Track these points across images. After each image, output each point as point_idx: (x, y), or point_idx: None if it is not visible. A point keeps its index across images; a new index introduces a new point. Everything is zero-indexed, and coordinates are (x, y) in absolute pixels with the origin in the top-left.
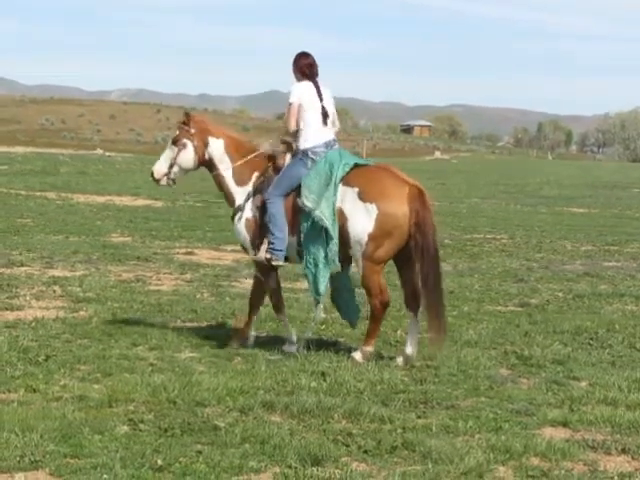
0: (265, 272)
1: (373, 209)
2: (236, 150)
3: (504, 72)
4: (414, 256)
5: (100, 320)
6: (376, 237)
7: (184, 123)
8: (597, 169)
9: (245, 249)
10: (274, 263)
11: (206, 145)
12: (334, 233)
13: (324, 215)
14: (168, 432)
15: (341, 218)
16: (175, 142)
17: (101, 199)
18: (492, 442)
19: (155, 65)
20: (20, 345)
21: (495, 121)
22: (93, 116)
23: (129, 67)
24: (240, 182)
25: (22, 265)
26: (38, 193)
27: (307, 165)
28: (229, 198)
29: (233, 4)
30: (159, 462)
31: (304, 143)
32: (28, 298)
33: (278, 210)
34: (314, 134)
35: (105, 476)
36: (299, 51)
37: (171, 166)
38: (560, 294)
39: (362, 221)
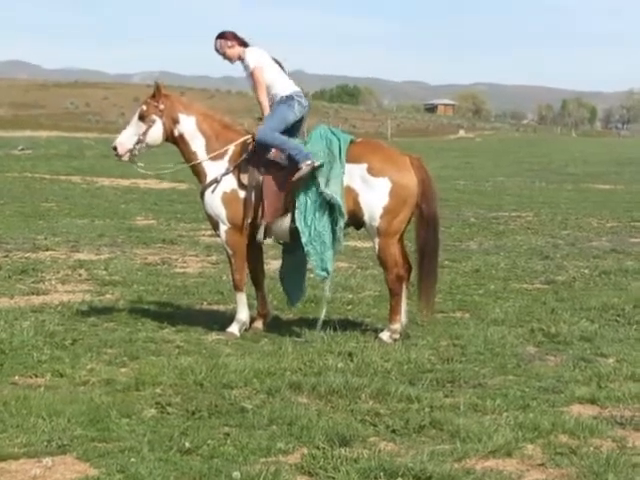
0: (236, 247)
1: (386, 182)
2: (210, 127)
3: (526, 49)
4: (417, 224)
5: (126, 303)
6: (392, 209)
7: (153, 98)
8: (622, 146)
9: (213, 224)
10: (316, 164)
11: (176, 122)
12: (344, 211)
13: (335, 193)
14: (195, 415)
15: (352, 195)
16: (142, 117)
17: (126, 182)
18: (520, 420)
19: (178, 47)
20: (46, 329)
21: (518, 99)
22: (117, 99)
23: (151, 49)
24: (214, 157)
25: (47, 249)
26: (63, 177)
27: (294, 108)
28: (200, 173)
29: None
30: (187, 445)
31: (284, 91)
32: (54, 282)
33: (278, 136)
34: (288, 83)
35: (133, 460)
36: (218, 33)
37: (138, 142)
38: (586, 271)
39: (377, 195)
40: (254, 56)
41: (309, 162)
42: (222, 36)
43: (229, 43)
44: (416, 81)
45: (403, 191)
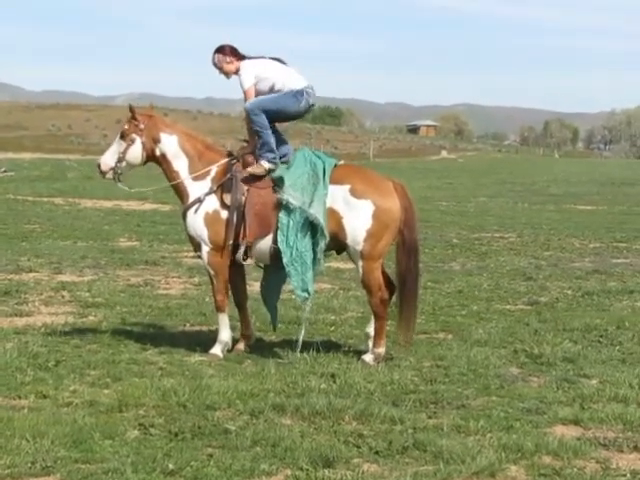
0: (217, 268)
1: (369, 205)
2: (192, 146)
3: (507, 70)
4: (398, 251)
5: (109, 325)
6: (375, 233)
7: (133, 118)
8: (604, 166)
9: (194, 245)
10: (269, 166)
11: (157, 142)
12: (327, 232)
13: (318, 214)
14: (179, 436)
15: (334, 217)
16: (123, 136)
17: (108, 204)
18: (503, 441)
19: (160, 69)
20: (30, 351)
21: (500, 120)
22: (99, 121)
23: (134, 71)
24: (196, 177)
25: (30, 271)
26: (45, 199)
27: (301, 103)
28: (183, 193)
29: (236, 5)
30: (170, 466)
31: (297, 85)
32: (37, 304)
33: (264, 118)
34: (299, 77)
35: None
36: (217, 47)
37: (119, 160)
38: (569, 292)
39: (359, 218)
40: (248, 74)
41: (268, 165)
42: (220, 50)
43: (227, 59)
44: (398, 102)
45: (385, 215)
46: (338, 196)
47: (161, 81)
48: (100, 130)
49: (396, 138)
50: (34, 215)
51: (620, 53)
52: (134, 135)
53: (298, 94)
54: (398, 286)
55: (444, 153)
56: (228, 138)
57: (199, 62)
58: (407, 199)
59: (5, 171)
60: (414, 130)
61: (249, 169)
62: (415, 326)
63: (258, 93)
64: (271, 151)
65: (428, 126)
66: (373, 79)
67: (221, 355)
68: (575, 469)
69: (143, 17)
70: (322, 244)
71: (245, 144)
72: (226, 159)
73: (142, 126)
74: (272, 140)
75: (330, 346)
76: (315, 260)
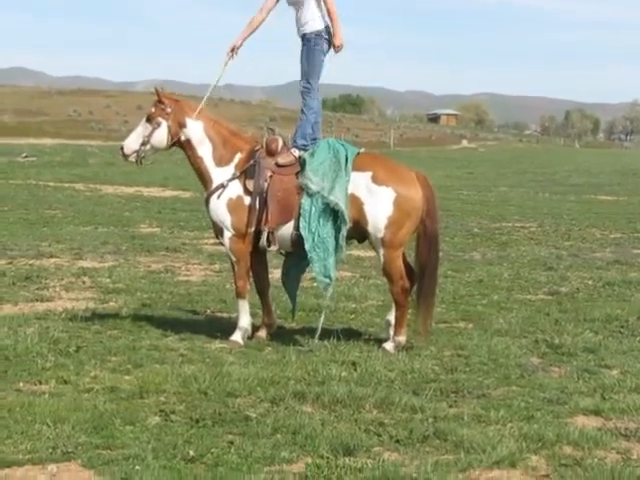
0: (239, 255)
1: (390, 192)
2: (217, 132)
3: (529, 60)
4: (419, 241)
5: (130, 311)
6: (396, 220)
7: (160, 101)
8: (625, 157)
9: (217, 231)
10: (299, 154)
11: (182, 126)
12: (348, 218)
13: (339, 200)
14: (199, 423)
15: (356, 204)
16: (149, 120)
17: (129, 190)
18: (524, 431)
19: (181, 55)
20: (51, 336)
21: (521, 109)
22: (120, 107)
23: (155, 58)
24: (220, 163)
25: (51, 256)
26: (67, 184)
27: (324, 48)
28: (206, 178)
29: None
30: (191, 453)
31: (313, 26)
32: (58, 289)
33: (314, 102)
34: (317, 16)
35: (137, 467)
36: None
37: (143, 144)
38: (590, 282)
39: (380, 205)
40: None
41: (298, 153)
42: None
43: None
44: (419, 91)
45: (407, 203)
46: (360, 183)
47: (182, 67)
48: (121, 116)
49: (417, 127)
50: (55, 201)
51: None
52: (160, 119)
53: (318, 39)
54: (418, 278)
55: (465, 142)
56: (249, 126)
57: (219, 49)
58: (429, 189)
59: (27, 156)
60: (435, 119)
61: (279, 159)
62: (433, 315)
63: None
64: (304, 137)
65: (449, 115)
66: (394, 67)
67: (241, 342)
68: (596, 459)
69: (164, 3)
70: (344, 230)
71: (271, 131)
72: (250, 145)
73: (169, 110)
74: (310, 125)
75: (351, 334)
76: (337, 246)
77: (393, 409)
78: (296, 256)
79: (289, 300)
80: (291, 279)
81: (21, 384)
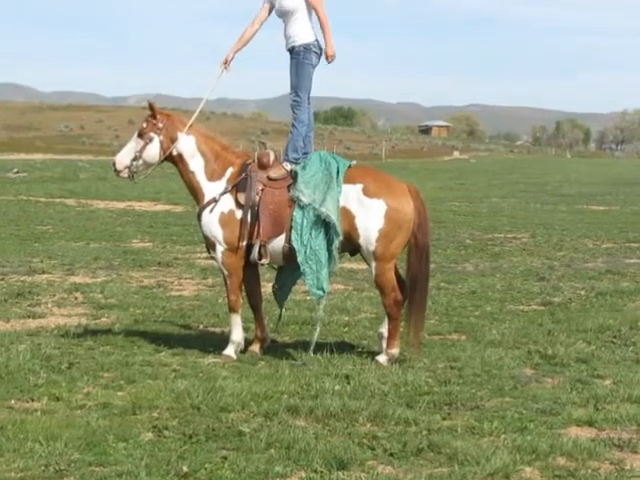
0: (232, 269)
1: (382, 204)
2: (209, 147)
3: (520, 71)
4: (410, 254)
5: (122, 326)
6: (387, 232)
7: (152, 116)
8: (616, 166)
9: (209, 245)
10: (291, 167)
11: (174, 141)
12: (340, 230)
13: (330, 212)
14: (193, 438)
15: (347, 217)
16: (141, 135)
17: (121, 205)
18: (518, 442)
19: (172, 69)
20: (43, 353)
21: (512, 120)
22: (112, 121)
23: (146, 72)
24: (212, 177)
25: (43, 272)
26: (58, 200)
27: (313, 61)
28: (198, 193)
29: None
30: (184, 469)
31: (303, 39)
32: (50, 305)
33: (304, 115)
34: (306, 28)
35: None
36: None
37: (135, 159)
38: (582, 292)
39: (372, 217)
40: None
41: (290, 167)
42: None
43: None
44: (410, 102)
45: (398, 215)
46: (351, 195)
47: (173, 82)
48: (112, 131)
49: (408, 139)
50: (46, 216)
51: (633, 54)
52: (152, 134)
53: (306, 52)
54: (409, 290)
55: (456, 153)
56: (241, 139)
57: (211, 63)
58: (421, 202)
59: (17, 172)
60: (426, 130)
61: (270, 173)
62: (424, 327)
63: None
64: (295, 151)
65: (440, 126)
66: (385, 79)
67: (234, 356)
68: (589, 470)
69: (156, 18)
70: (336, 242)
71: (262, 145)
72: (241, 160)
73: (161, 125)
74: (301, 138)
75: (344, 347)
76: (330, 258)
77: (387, 422)
78: (289, 269)
79: (278, 306)
80: (283, 289)
81: (13, 401)
